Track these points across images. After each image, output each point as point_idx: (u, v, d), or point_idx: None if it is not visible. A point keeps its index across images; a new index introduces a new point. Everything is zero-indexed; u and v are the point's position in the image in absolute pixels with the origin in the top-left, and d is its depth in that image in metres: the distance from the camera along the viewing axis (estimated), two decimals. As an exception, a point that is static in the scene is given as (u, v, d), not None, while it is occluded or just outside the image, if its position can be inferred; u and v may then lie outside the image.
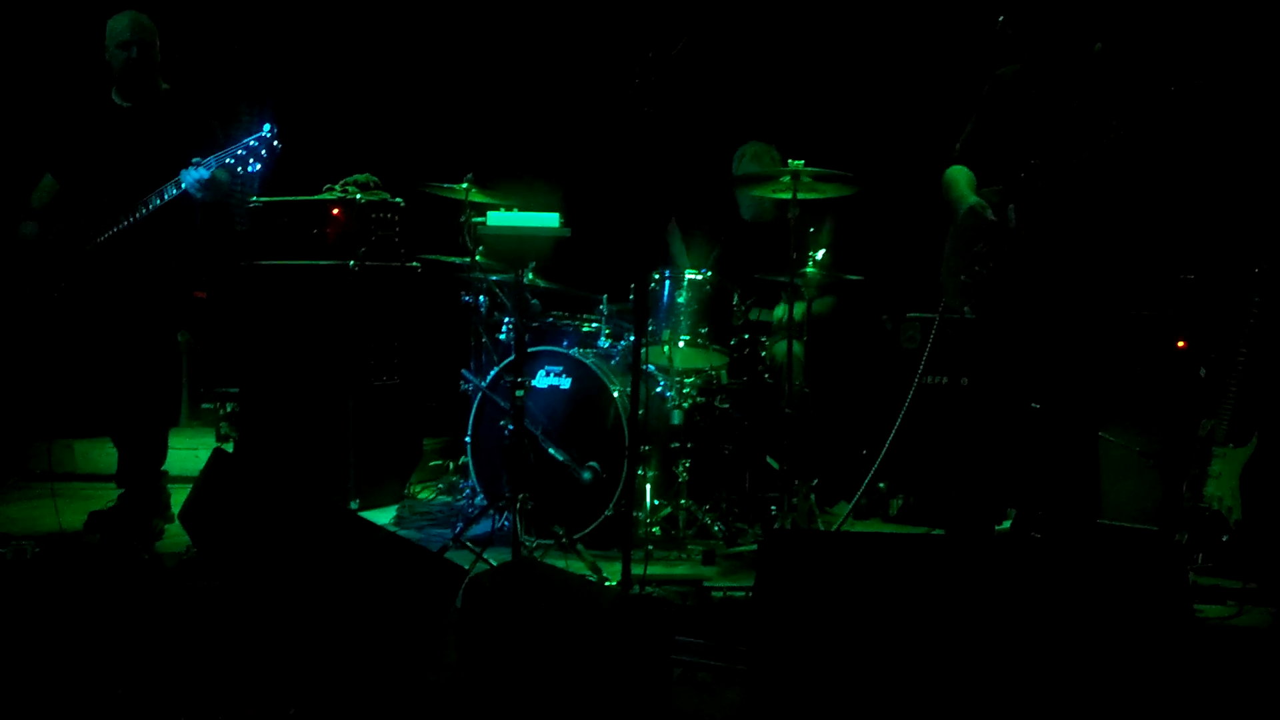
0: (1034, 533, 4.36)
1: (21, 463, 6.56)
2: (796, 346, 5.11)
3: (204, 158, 4.72)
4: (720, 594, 4.22)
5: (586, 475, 5.01)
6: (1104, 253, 3.99)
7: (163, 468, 5.23)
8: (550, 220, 5.15)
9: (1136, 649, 2.64)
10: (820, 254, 5.34)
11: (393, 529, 5.33)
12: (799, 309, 5.07)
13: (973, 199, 4.11)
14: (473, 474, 5.35)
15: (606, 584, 4.26)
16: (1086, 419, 4.10)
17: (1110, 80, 3.91)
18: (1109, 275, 4.03)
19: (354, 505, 5.64)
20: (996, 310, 4.12)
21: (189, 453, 6.19)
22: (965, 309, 4.25)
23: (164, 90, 5.11)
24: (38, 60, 6.71)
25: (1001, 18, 3.98)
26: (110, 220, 4.87)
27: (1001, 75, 4.24)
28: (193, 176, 4.71)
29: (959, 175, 4.23)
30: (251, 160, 4.68)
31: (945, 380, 5.68)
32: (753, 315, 5.52)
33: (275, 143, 4.68)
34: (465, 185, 5.39)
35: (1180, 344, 5.07)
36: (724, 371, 5.41)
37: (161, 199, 4.79)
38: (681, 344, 5.20)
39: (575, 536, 4.76)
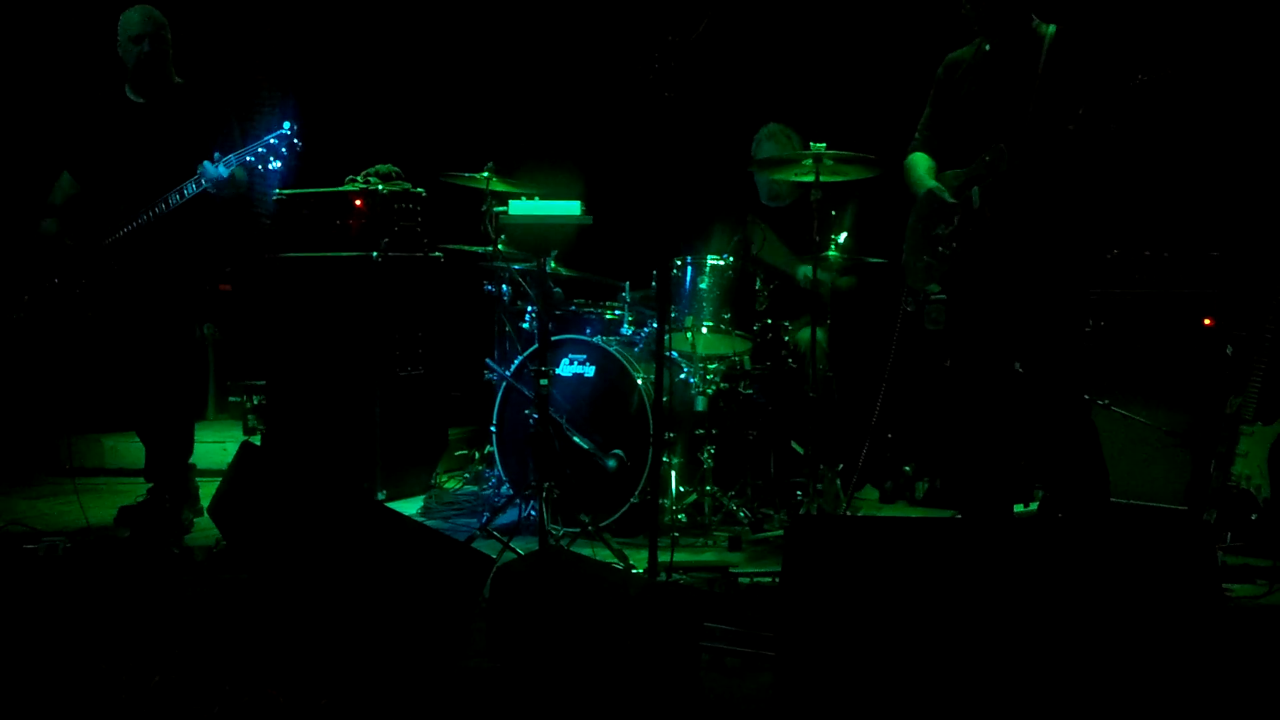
0: (1059, 514, 4.35)
1: (52, 459, 6.63)
2: (820, 331, 5.10)
3: (220, 151, 4.75)
4: (747, 580, 4.22)
5: (611, 463, 5.02)
6: (1071, 231, 4.01)
7: (190, 461, 5.27)
8: (572, 208, 5.14)
9: (1166, 629, 2.63)
10: (842, 237, 5.32)
11: (420, 519, 5.36)
12: (823, 291, 5.07)
13: (931, 183, 4.17)
14: (498, 463, 5.37)
15: (633, 571, 4.26)
16: (1070, 387, 4.10)
17: (1070, 63, 3.90)
18: (1077, 252, 4.05)
19: (381, 496, 5.67)
20: (965, 288, 4.16)
21: (216, 446, 6.24)
22: (929, 287, 4.33)
23: (177, 84, 5.12)
24: (52, 58, 6.74)
25: None
26: (129, 216, 4.90)
27: (955, 59, 4.25)
28: (212, 174, 4.73)
29: (917, 161, 4.30)
30: (271, 158, 4.71)
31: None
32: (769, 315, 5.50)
33: (295, 140, 4.70)
34: (486, 174, 5.40)
35: (1207, 322, 5.03)
36: (747, 357, 5.40)
37: (181, 196, 4.82)
38: (704, 330, 5.19)
39: (601, 524, 4.77)
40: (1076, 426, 4.10)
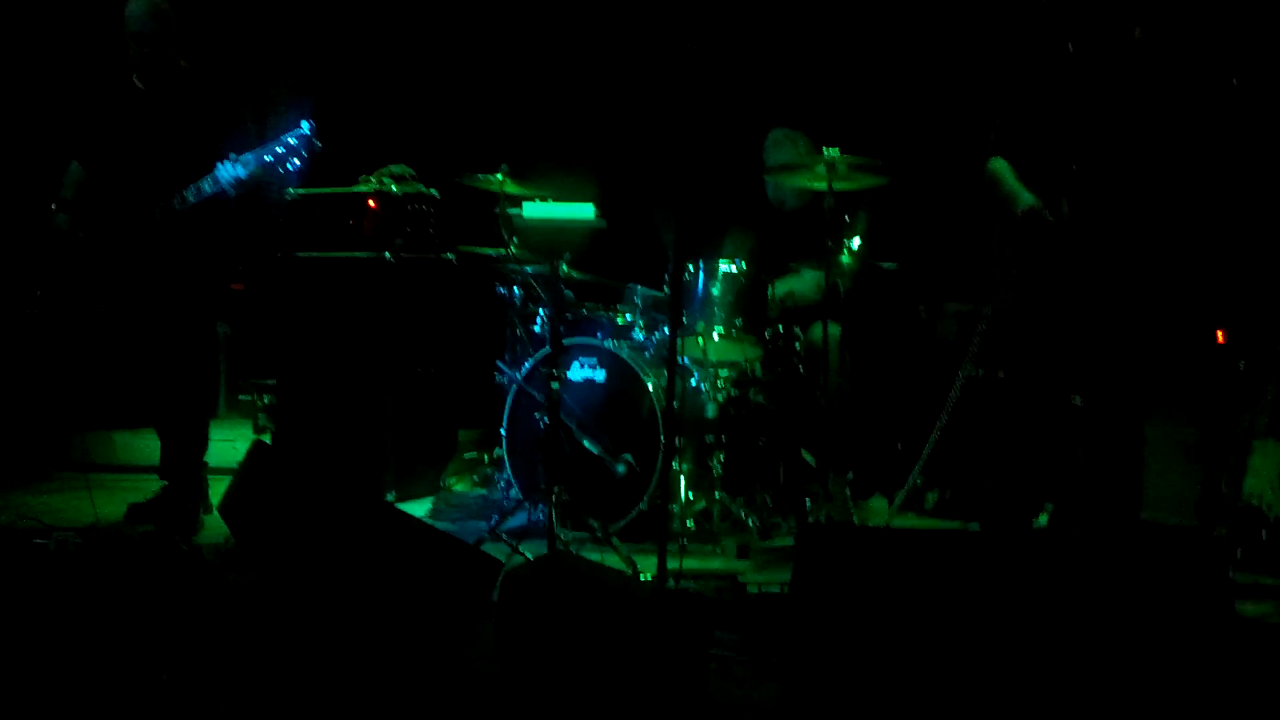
0: (1072, 528, 4.33)
1: (63, 454, 6.64)
2: (833, 329, 5.07)
3: (235, 149, 4.73)
4: (756, 588, 4.20)
5: (620, 468, 5.01)
6: (1160, 248, 3.94)
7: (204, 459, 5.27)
8: (585, 211, 5.15)
9: (1178, 646, 2.62)
10: (855, 243, 5.31)
11: (429, 521, 5.36)
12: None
13: (1029, 198, 4.03)
14: (508, 466, 5.36)
15: (642, 578, 4.26)
16: (1135, 414, 4.06)
17: (1156, 70, 3.84)
18: (1164, 270, 3.99)
19: (390, 497, 5.67)
20: (1045, 304, 4.07)
21: (227, 444, 6.22)
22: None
23: (184, 69, 5.06)
24: (58, 48, 6.72)
25: None
26: (140, 206, 4.87)
27: (1032, 59, 4.17)
28: (229, 175, 4.72)
29: (1004, 168, 4.16)
30: (290, 159, 4.70)
31: (982, 373, 5.64)
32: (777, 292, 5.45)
33: (315, 141, 4.70)
34: (500, 176, 5.40)
35: (1220, 336, 5.01)
36: (758, 364, 5.40)
37: (198, 195, 4.80)
38: (716, 336, 5.18)
39: (610, 529, 4.76)
40: (1129, 453, 4.05)
